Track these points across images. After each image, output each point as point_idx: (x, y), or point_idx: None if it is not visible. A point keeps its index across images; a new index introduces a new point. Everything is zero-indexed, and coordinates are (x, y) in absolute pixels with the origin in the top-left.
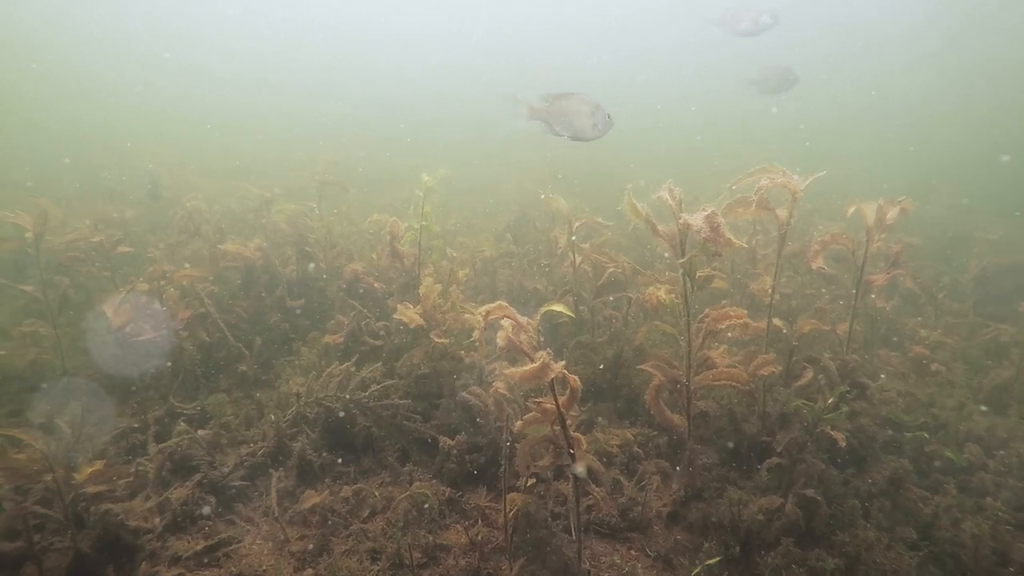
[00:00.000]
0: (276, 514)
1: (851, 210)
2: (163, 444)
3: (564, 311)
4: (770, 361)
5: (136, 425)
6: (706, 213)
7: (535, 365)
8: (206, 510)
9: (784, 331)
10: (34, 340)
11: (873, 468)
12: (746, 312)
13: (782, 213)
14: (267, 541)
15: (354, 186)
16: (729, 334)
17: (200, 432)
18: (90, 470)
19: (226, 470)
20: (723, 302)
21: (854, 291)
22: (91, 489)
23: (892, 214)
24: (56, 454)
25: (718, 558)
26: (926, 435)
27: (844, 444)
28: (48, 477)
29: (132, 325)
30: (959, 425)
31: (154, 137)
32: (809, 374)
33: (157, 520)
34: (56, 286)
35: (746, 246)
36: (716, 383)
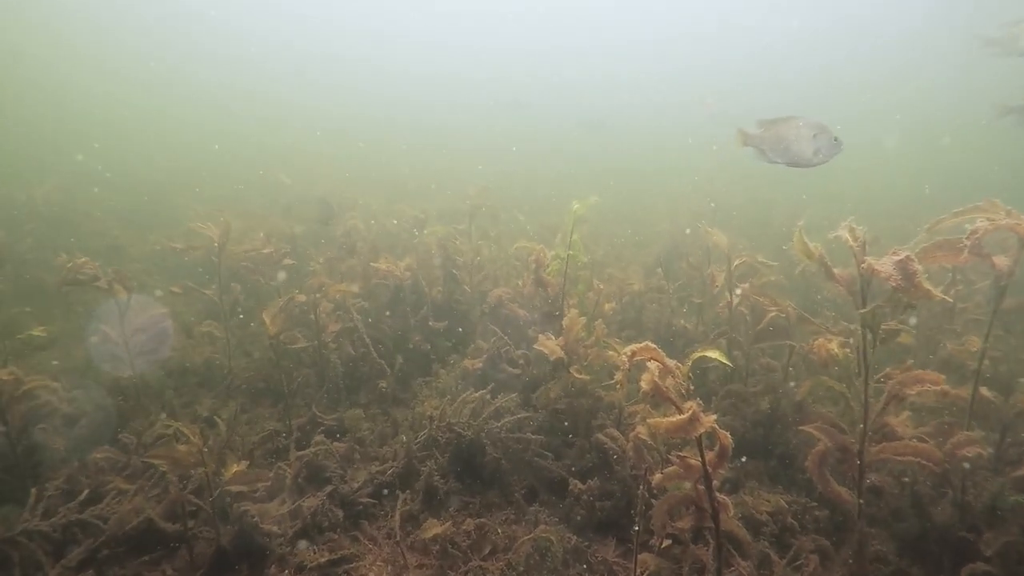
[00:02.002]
0: (398, 538)
1: None
2: (301, 452)
3: (720, 358)
4: (975, 440)
5: (281, 430)
6: (898, 258)
7: (683, 417)
8: (333, 523)
9: (995, 403)
10: (210, 340)
11: None
12: (944, 378)
13: (1002, 261)
14: (387, 564)
15: (505, 211)
16: (918, 399)
17: (335, 444)
18: (235, 468)
19: (356, 485)
20: (909, 361)
21: None
22: (234, 487)
23: None
24: (212, 449)
25: None
26: None
27: None
28: (200, 471)
29: (286, 333)
30: None
31: (322, 157)
32: None
33: (288, 525)
34: (230, 292)
35: (949, 300)
36: (898, 458)
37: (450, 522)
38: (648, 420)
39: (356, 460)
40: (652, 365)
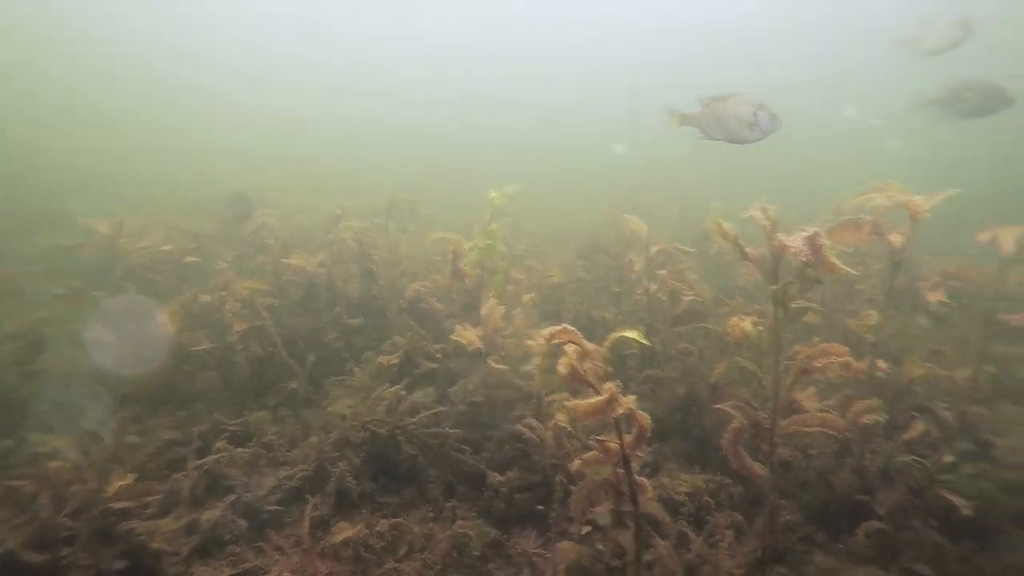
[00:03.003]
0: (307, 545)
1: (986, 236)
2: (200, 461)
3: (638, 338)
4: (874, 408)
5: (180, 439)
6: (807, 234)
7: (601, 398)
8: (236, 535)
9: (889, 374)
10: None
11: (1000, 545)
12: (847, 350)
13: (896, 238)
14: (295, 574)
15: (427, 206)
16: (822, 375)
17: (239, 451)
18: (119, 484)
19: (261, 493)
20: (815, 339)
21: (982, 331)
22: (118, 504)
23: None
24: (96, 465)
25: None
26: None
27: (969, 512)
28: (76, 488)
29: (187, 335)
30: None
31: (244, 151)
32: (920, 426)
33: (183, 542)
34: (126, 292)
35: (855, 273)
36: (807, 429)
37: (363, 524)
38: (567, 403)
39: (262, 466)
40: (570, 348)
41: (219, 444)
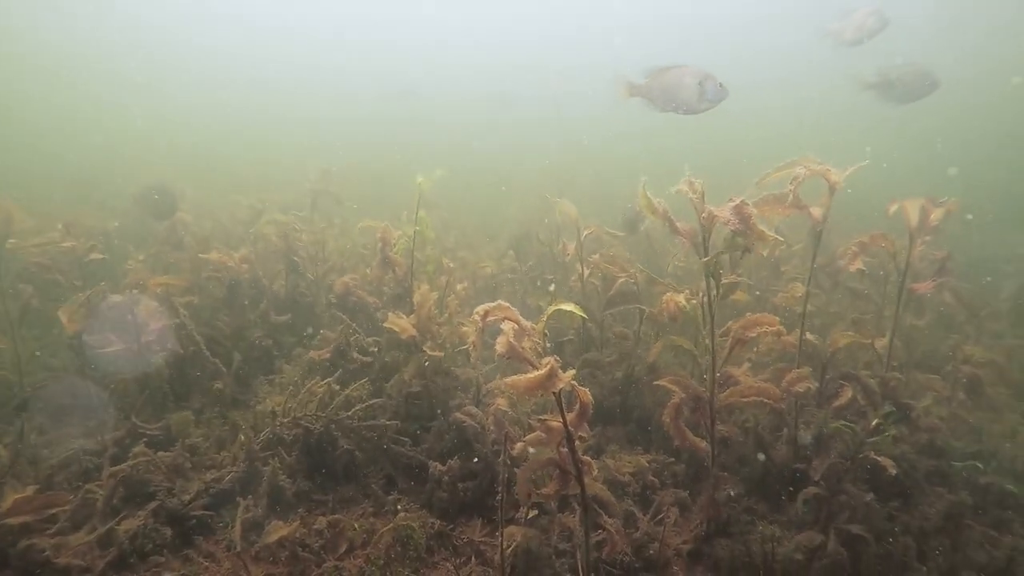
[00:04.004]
0: (239, 549)
1: (893, 209)
2: (115, 468)
3: (575, 310)
4: (805, 376)
5: (91, 447)
6: (735, 204)
7: (541, 372)
8: (160, 544)
9: (817, 345)
10: None
11: (920, 501)
12: (778, 320)
13: (816, 211)
14: None
15: (353, 200)
16: (755, 348)
17: (161, 455)
18: (15, 497)
19: (187, 498)
20: (747, 314)
21: (895, 301)
22: (16, 520)
23: (937, 215)
24: None
25: None
26: (980, 465)
27: (894, 471)
28: None
29: (98, 336)
30: (1015, 454)
31: (158, 149)
32: (848, 393)
33: (97, 556)
34: (19, 295)
35: (781, 240)
36: (744, 399)
37: (298, 522)
38: (505, 380)
39: (187, 470)
40: (507, 326)
41: (137, 449)
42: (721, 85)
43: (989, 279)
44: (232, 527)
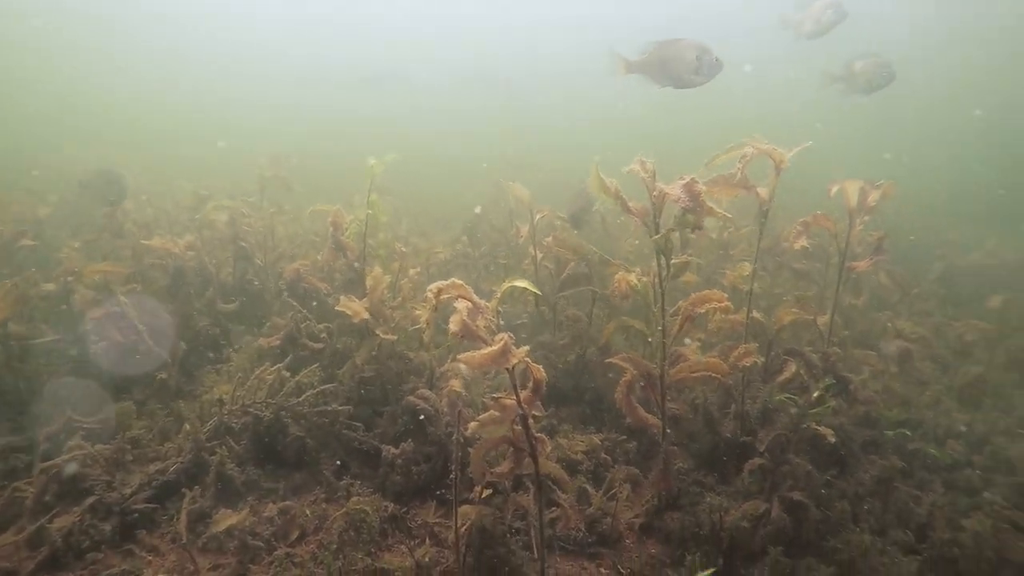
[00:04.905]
0: (185, 540)
1: (834, 189)
2: (46, 463)
3: (529, 287)
4: (752, 351)
5: (20, 444)
6: (684, 181)
7: (495, 348)
8: (98, 540)
9: (763, 323)
10: None
11: (856, 468)
12: (727, 296)
13: (763, 191)
14: (172, 574)
15: (305, 186)
16: (705, 327)
17: (99, 448)
18: None
19: (128, 491)
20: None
21: (836, 279)
22: None
23: (874, 196)
24: None
25: (713, 569)
26: (908, 432)
27: (833, 440)
28: None
29: (27, 327)
30: (938, 422)
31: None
32: (792, 367)
33: (26, 557)
34: None
35: (729, 215)
36: (694, 375)
37: (248, 511)
38: (461, 355)
39: (128, 463)
40: (460, 305)
41: (73, 443)
42: (717, 59)
43: (920, 262)
44: (178, 519)
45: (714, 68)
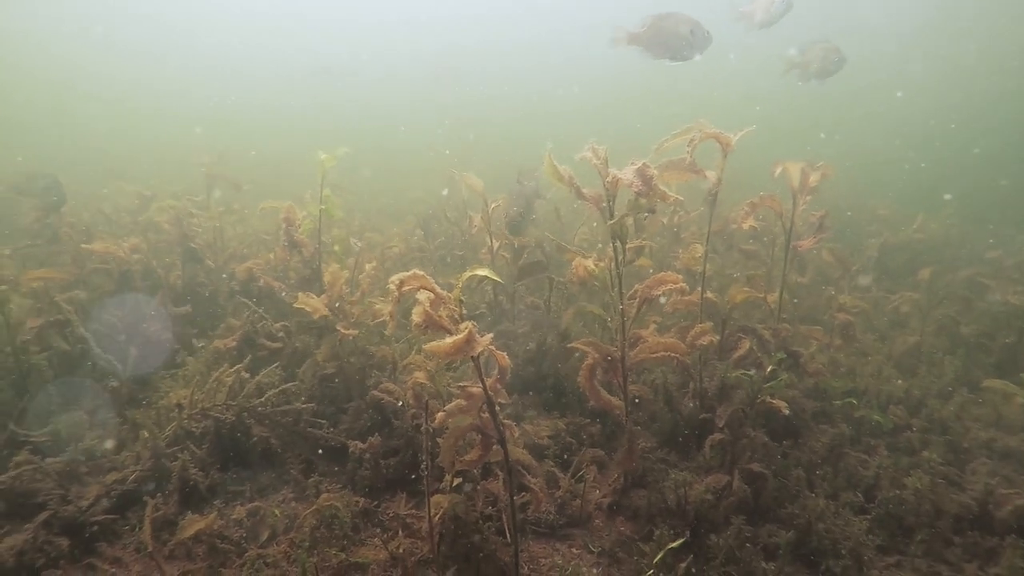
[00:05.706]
0: (150, 549)
1: (777, 171)
2: None
3: (490, 275)
4: (708, 330)
5: None
6: (636, 166)
7: (460, 336)
8: (54, 556)
9: (716, 302)
10: None
11: (808, 437)
12: (682, 278)
13: (712, 174)
14: None
15: (252, 184)
16: (662, 310)
17: (50, 461)
18: None
19: (85, 503)
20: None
21: (783, 257)
22: None
23: (815, 177)
24: None
25: (681, 540)
26: (854, 401)
27: (788, 412)
28: None
29: None
30: (880, 389)
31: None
32: (746, 344)
33: None
34: None
35: (680, 198)
36: (654, 356)
37: (215, 514)
38: (427, 345)
39: (83, 475)
40: (423, 295)
41: (20, 458)
42: (708, 33)
43: (856, 238)
44: (141, 529)
45: (705, 41)
